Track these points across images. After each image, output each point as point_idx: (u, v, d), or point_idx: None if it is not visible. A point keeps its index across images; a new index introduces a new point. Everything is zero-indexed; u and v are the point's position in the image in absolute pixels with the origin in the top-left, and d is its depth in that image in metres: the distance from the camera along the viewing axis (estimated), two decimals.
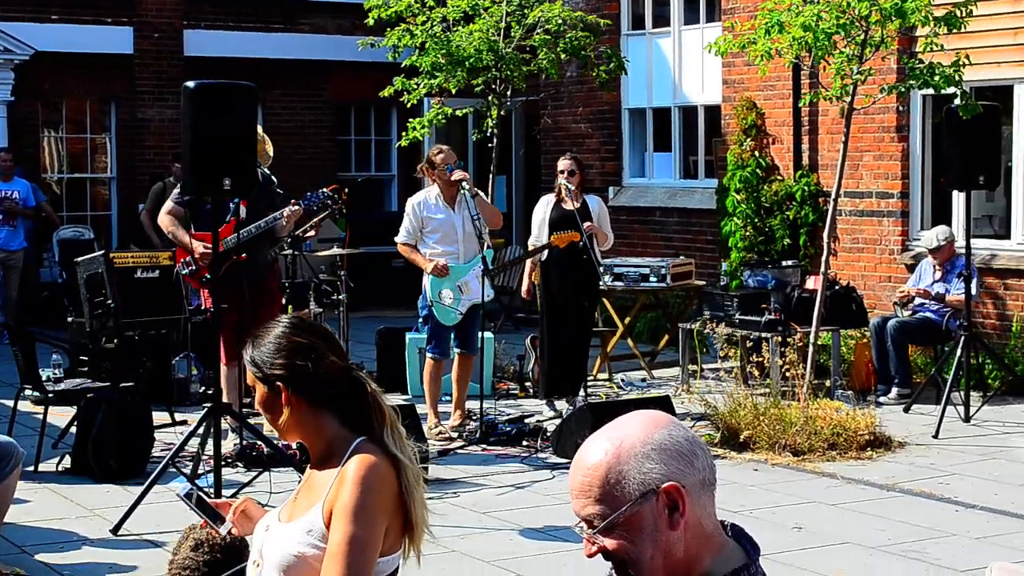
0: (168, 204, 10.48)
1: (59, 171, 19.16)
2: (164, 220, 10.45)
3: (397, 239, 11.05)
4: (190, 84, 8.67)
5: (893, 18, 10.47)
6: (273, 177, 11.70)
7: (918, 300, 12.32)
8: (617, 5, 17.16)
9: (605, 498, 2.49)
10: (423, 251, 10.89)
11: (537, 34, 13.95)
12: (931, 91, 11.50)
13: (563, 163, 11.52)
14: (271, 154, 10.94)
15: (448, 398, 11.16)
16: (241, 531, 3.95)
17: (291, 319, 3.75)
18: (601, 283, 12.41)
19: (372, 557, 3.56)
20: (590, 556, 2.53)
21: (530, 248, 11.63)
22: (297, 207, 10.35)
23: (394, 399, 10.76)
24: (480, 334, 11.16)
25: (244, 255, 10.10)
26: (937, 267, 12.31)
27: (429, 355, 11.04)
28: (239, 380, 9.82)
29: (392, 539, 3.62)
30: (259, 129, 10.74)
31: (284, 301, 12.09)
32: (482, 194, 11.18)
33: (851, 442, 10.11)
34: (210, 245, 9.78)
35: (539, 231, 11.51)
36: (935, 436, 10.62)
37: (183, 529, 4.28)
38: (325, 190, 10.62)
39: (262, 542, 3.73)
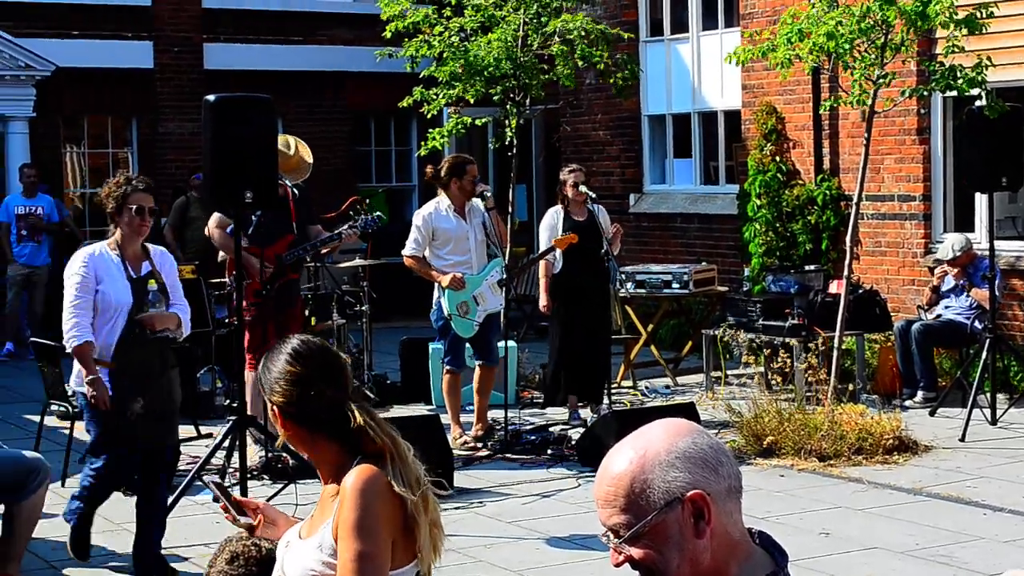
0: (217, 216, 10.34)
1: (81, 186, 19.22)
2: (217, 235, 10.36)
3: (404, 252, 10.91)
4: (210, 98, 8.71)
5: (918, 22, 10.44)
6: (294, 189, 11.75)
7: (943, 304, 12.26)
8: (635, 12, 17.17)
9: (630, 507, 2.48)
10: (435, 264, 10.83)
11: (555, 43, 13.94)
12: (953, 93, 11.47)
13: (572, 176, 11.51)
14: (311, 162, 10.89)
15: (471, 407, 11.16)
16: (264, 533, 3.97)
17: (297, 343, 3.71)
18: (621, 290, 12.42)
19: (383, 568, 3.56)
20: (617, 565, 2.53)
21: (551, 272, 11.55)
22: (353, 230, 10.42)
23: (418, 410, 10.78)
24: (503, 343, 11.15)
25: (297, 273, 10.27)
26: (955, 277, 12.23)
27: (447, 368, 11.02)
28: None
29: (401, 553, 3.61)
30: (292, 139, 10.78)
31: (307, 313, 12.11)
32: (495, 212, 11.13)
33: (877, 446, 10.08)
34: (268, 264, 9.95)
35: (548, 242, 11.45)
36: (961, 439, 10.58)
37: (217, 542, 4.28)
38: (379, 213, 10.67)
39: (283, 558, 3.74)
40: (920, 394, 12.02)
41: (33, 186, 16.44)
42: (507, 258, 11.10)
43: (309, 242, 10.39)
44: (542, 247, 11.53)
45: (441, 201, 10.91)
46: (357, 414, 3.61)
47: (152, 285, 7.50)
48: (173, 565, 7.78)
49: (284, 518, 4.03)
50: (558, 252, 11.34)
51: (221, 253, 10.66)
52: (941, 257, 12.44)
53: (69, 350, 7.45)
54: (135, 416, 7.44)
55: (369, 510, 3.52)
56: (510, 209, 13.31)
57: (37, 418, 10.52)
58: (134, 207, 7.47)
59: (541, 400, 12.54)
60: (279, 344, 3.73)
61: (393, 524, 3.57)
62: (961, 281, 12.14)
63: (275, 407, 3.65)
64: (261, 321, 10.02)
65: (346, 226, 10.53)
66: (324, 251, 10.95)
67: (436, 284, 10.86)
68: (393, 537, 3.58)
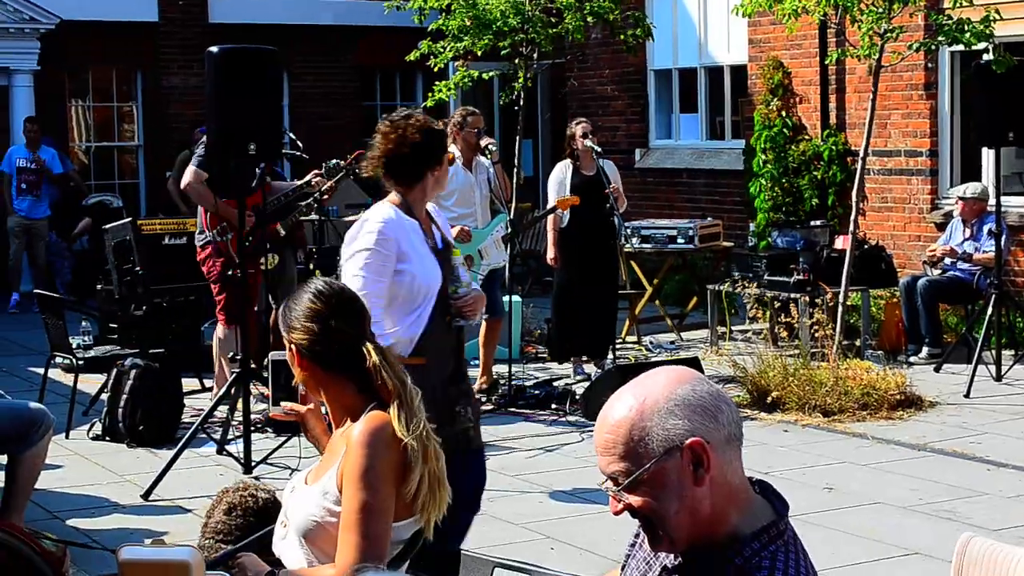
0: (192, 170, 10.22)
1: (86, 140, 19.19)
2: (197, 187, 10.22)
3: None
4: (213, 49, 8.67)
5: None
6: (299, 142, 11.73)
7: (948, 259, 12.25)
8: None
9: (629, 455, 2.47)
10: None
11: None
12: (960, 47, 11.40)
13: (580, 126, 11.46)
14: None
15: (476, 362, 11.15)
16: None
17: (320, 284, 3.76)
18: (627, 245, 12.37)
19: (386, 520, 3.56)
20: (616, 513, 2.52)
21: (559, 225, 11.51)
22: (321, 176, 10.36)
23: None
24: (508, 297, 11.13)
25: (276, 223, 10.14)
26: (966, 225, 12.22)
27: None
28: (236, 343, 9.80)
29: (401, 506, 3.60)
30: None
31: (312, 267, 12.10)
32: (499, 165, 11.10)
33: (882, 402, 10.07)
34: (248, 212, 9.83)
35: (557, 196, 11.41)
36: (966, 395, 10.56)
37: (215, 493, 4.28)
38: (338, 160, 10.55)
39: (287, 504, 3.74)
40: (925, 350, 12.00)
41: (35, 139, 16.41)
42: (512, 213, 11.05)
43: (280, 192, 10.33)
44: (550, 201, 11.49)
45: (451, 151, 10.86)
46: (372, 353, 3.64)
47: (457, 257, 5.87)
48: (175, 516, 7.79)
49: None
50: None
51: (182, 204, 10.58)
52: (956, 194, 12.39)
53: None
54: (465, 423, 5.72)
55: (375, 461, 3.53)
56: (516, 164, 13.25)
57: (41, 370, 10.53)
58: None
59: (545, 354, 12.53)
60: (302, 285, 3.78)
61: (396, 473, 3.57)
62: (970, 240, 12.10)
63: (294, 345, 3.68)
64: (234, 276, 9.87)
65: (312, 174, 10.49)
66: (294, 198, 10.81)
67: None
68: (396, 488, 3.58)
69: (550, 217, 11.53)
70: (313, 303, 3.69)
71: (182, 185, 10.53)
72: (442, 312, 5.52)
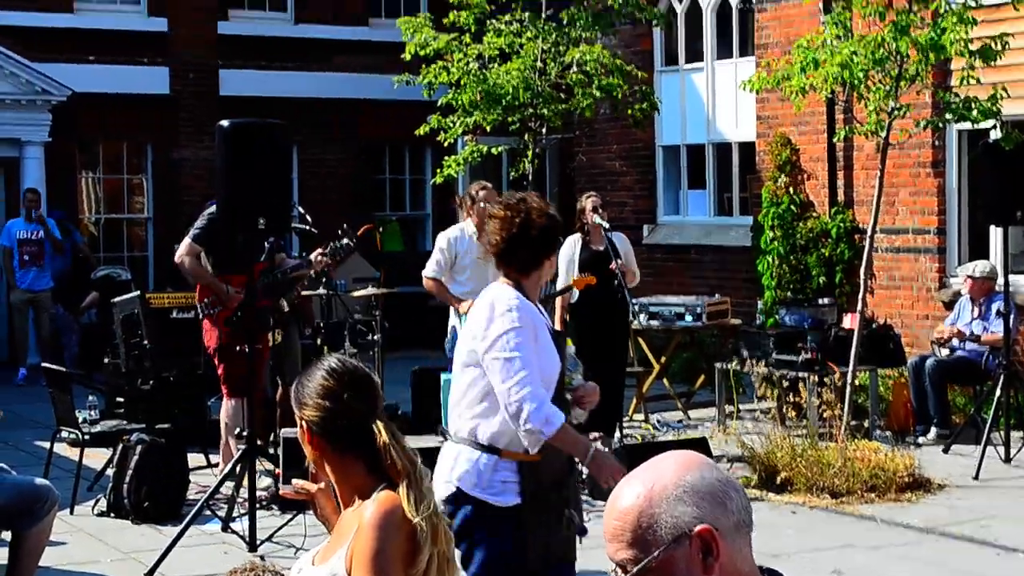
0: (187, 243, 10.27)
1: (96, 212, 19.25)
2: (187, 261, 10.23)
3: (425, 273, 10.88)
4: (224, 124, 8.72)
5: (930, 52, 10.42)
6: (308, 216, 11.75)
7: (956, 340, 12.20)
8: (650, 41, 17.18)
9: (637, 542, 2.44)
10: (452, 288, 10.79)
11: (573, 73, 13.95)
12: (967, 125, 11.44)
13: (590, 200, 11.47)
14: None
15: None
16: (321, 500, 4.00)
17: (334, 361, 3.74)
18: (635, 322, 12.33)
19: None
20: None
21: (567, 302, 11.51)
22: (323, 258, 10.35)
23: (429, 441, 10.72)
24: None
25: (268, 301, 10.09)
26: (974, 303, 12.19)
27: None
28: (242, 415, 9.75)
29: None
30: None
31: (319, 342, 12.09)
32: None
33: (890, 484, 10.00)
34: (240, 289, 9.80)
35: (567, 272, 11.41)
36: (975, 477, 10.49)
37: (224, 573, 4.25)
38: (345, 240, 10.53)
39: None
40: (934, 431, 11.94)
41: (35, 209, 16.46)
42: None
43: (279, 268, 10.34)
44: (560, 275, 11.48)
45: (466, 227, 10.88)
46: (383, 431, 3.61)
47: (569, 347, 5.50)
48: None
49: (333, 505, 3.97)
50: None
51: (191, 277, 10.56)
52: (965, 273, 12.36)
53: (541, 438, 4.95)
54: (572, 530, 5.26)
55: (386, 544, 3.50)
56: None
57: (47, 444, 10.49)
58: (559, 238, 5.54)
59: None
60: (316, 361, 3.76)
61: (405, 556, 3.54)
62: (979, 320, 12.07)
63: (305, 422, 3.66)
64: (233, 351, 9.85)
65: (316, 252, 10.49)
66: (294, 276, 10.81)
67: (452, 310, 10.82)
68: (404, 570, 3.54)
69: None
70: (326, 380, 3.67)
71: (176, 258, 10.49)
72: (560, 402, 5.10)
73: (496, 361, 4.94)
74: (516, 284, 5.14)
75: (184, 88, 19.06)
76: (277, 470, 9.51)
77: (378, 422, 3.65)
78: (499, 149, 14.93)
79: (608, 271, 10.97)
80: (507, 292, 5.10)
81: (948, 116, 11.09)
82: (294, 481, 4.03)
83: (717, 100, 16.65)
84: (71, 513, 9.50)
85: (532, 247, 5.14)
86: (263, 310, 9.92)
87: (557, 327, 11.55)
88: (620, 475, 4.39)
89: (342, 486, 3.72)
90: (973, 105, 10.70)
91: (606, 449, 5.05)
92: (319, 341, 12.16)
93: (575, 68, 14.11)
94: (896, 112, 10.84)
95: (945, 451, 11.43)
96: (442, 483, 5.02)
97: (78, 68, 17.95)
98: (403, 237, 21.08)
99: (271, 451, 10.03)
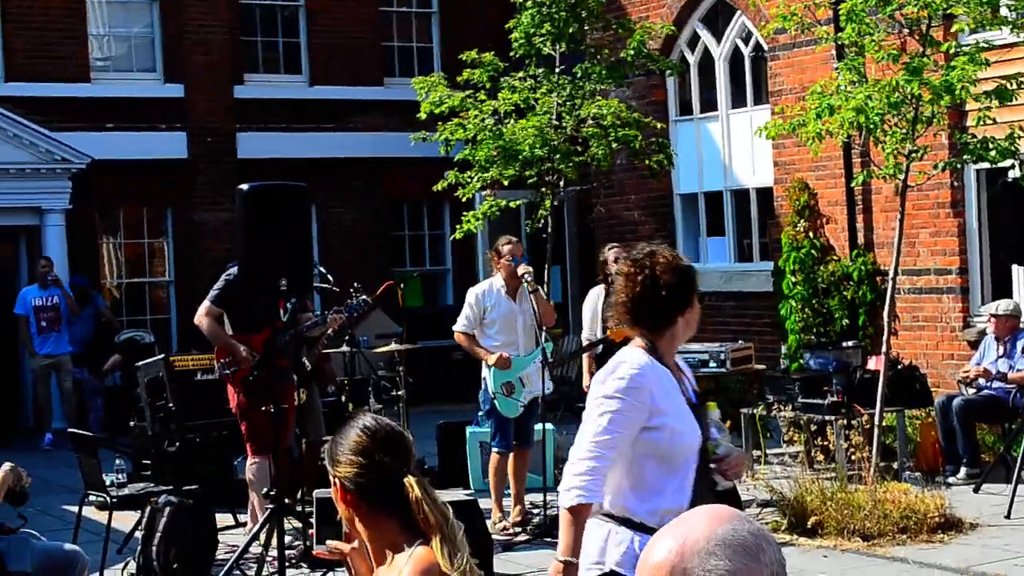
0: (206, 305, 10.41)
1: (118, 276, 19.35)
2: (205, 323, 10.37)
3: (455, 328, 11.00)
4: (243, 187, 8.76)
5: (943, 95, 10.44)
6: (329, 275, 11.81)
7: (982, 379, 12.16)
8: (664, 92, 17.25)
9: None
10: (483, 342, 10.86)
11: (588, 126, 14.01)
12: (986, 165, 11.44)
13: (611, 252, 11.50)
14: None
15: (507, 492, 11.10)
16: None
17: (369, 419, 3.76)
18: None
19: None
20: None
21: (585, 343, 11.56)
22: (339, 315, 10.42)
23: (456, 495, 10.72)
24: (541, 425, 11.10)
25: (286, 360, 10.10)
26: (999, 342, 12.15)
27: (495, 449, 10.98)
28: (268, 473, 9.75)
29: None
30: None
31: (343, 399, 12.11)
32: (541, 291, 11.14)
33: (921, 525, 9.94)
34: (257, 350, 9.86)
35: (591, 323, 11.45)
36: (1007, 516, 10.42)
37: None
38: (363, 297, 10.61)
39: None
40: (963, 470, 11.88)
41: (48, 277, 16.56)
42: (543, 337, 11.01)
43: (297, 327, 10.38)
44: (585, 327, 11.52)
45: (495, 281, 10.94)
46: (415, 487, 3.62)
47: (713, 412, 5.20)
48: None
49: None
50: (598, 332, 11.31)
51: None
52: (989, 311, 12.33)
53: (565, 505, 4.66)
54: None
55: None
56: (545, 290, 13.30)
57: (75, 508, 10.51)
58: (699, 293, 5.11)
59: None
60: (352, 420, 3.77)
61: None
62: (1004, 358, 12.03)
63: (339, 479, 3.67)
64: (255, 409, 9.89)
65: (332, 310, 10.56)
66: (311, 335, 10.86)
67: (484, 363, 10.86)
68: None
69: (584, 342, 11.55)
70: (359, 437, 3.69)
71: (195, 319, 10.60)
72: (703, 474, 4.76)
73: (587, 419, 4.69)
74: (649, 345, 4.77)
75: (202, 152, 19.18)
76: (311, 530, 9.50)
77: (410, 477, 3.66)
78: (517, 203, 14.98)
79: None
80: (631, 357, 4.72)
81: (966, 157, 11.10)
82: (328, 541, 4.04)
83: (733, 147, 16.69)
84: None
85: (660, 304, 4.78)
86: (282, 369, 9.96)
87: (586, 380, 11.61)
88: None
89: (375, 543, 3.72)
90: (991, 145, 10.71)
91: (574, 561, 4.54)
92: (343, 398, 12.18)
93: (590, 121, 14.17)
94: (914, 155, 10.86)
95: (976, 490, 11.37)
96: (591, 565, 4.65)
97: (97, 136, 18.08)
98: (424, 292, 21.12)
99: (298, 509, 10.02)
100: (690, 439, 4.69)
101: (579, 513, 4.59)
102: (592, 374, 11.49)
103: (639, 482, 4.66)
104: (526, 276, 10.73)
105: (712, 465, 4.78)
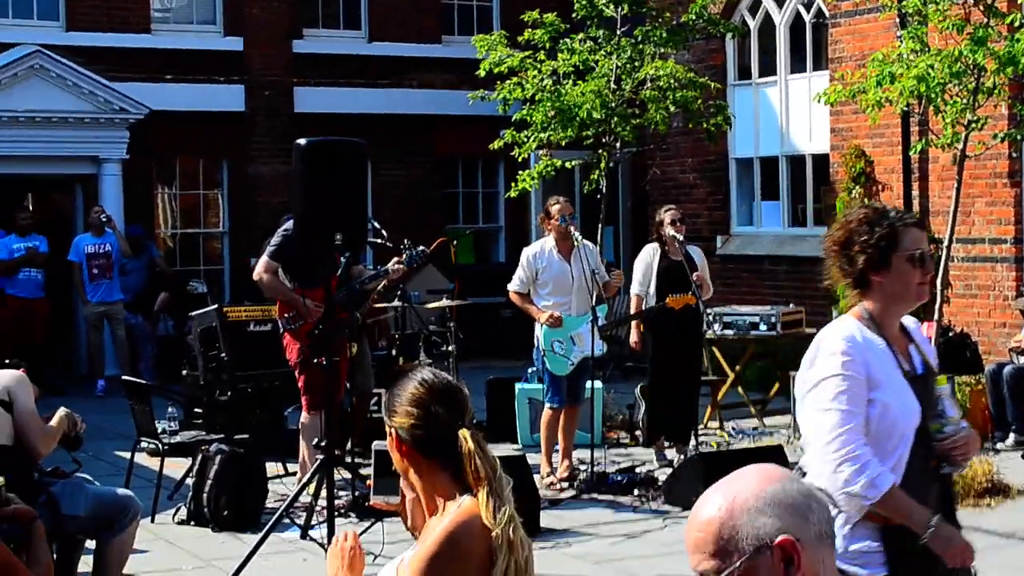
0: (264, 260, 10.45)
1: (172, 227, 19.49)
2: (266, 278, 10.40)
3: (509, 287, 11.09)
4: (301, 142, 8.80)
5: (1007, 65, 10.36)
6: (383, 231, 11.85)
7: None
8: (723, 56, 17.18)
9: (719, 553, 2.48)
10: (536, 302, 10.92)
11: (647, 89, 13.98)
12: None
13: (668, 214, 11.50)
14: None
15: (558, 448, 11.17)
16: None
17: (427, 372, 3.80)
18: (709, 332, 12.36)
19: None
20: None
21: (634, 300, 11.58)
22: (400, 265, 10.48)
23: (504, 449, 10.81)
24: (590, 383, 11.15)
25: (345, 312, 10.19)
26: None
27: (547, 405, 11.05)
28: (320, 425, 9.81)
29: None
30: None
31: (395, 352, 12.19)
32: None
33: (969, 489, 9.94)
34: (320, 303, 9.91)
35: (644, 279, 11.47)
36: None
37: None
38: (420, 248, 10.68)
39: None
40: (1012, 437, 11.87)
41: (101, 225, 16.67)
42: (594, 299, 11.05)
43: (356, 280, 10.45)
44: (635, 281, 11.53)
45: (546, 242, 10.99)
46: (468, 440, 3.67)
47: (942, 385, 4.57)
48: None
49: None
50: (652, 290, 11.34)
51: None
52: None
53: (864, 504, 4.22)
54: None
55: (447, 551, 3.55)
56: (599, 251, 13.33)
57: (128, 455, 10.66)
58: (913, 252, 4.38)
59: (627, 440, 12.53)
60: (410, 372, 3.82)
61: (479, 564, 3.58)
62: None
63: (395, 430, 3.72)
64: (315, 364, 9.94)
65: (392, 262, 10.60)
66: (370, 287, 10.94)
67: (536, 322, 10.93)
68: None
69: (633, 299, 11.59)
70: (417, 389, 3.73)
71: (254, 275, 10.65)
72: (923, 456, 4.32)
73: (813, 411, 4.30)
74: (866, 315, 4.38)
75: (259, 105, 19.25)
76: (368, 480, 9.60)
77: (464, 430, 3.71)
78: (572, 163, 14.97)
79: (685, 281, 11.00)
80: (841, 330, 4.34)
81: None
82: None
83: (791, 113, 16.61)
84: (152, 522, 9.62)
85: (877, 266, 4.35)
86: (342, 322, 10.04)
87: (634, 337, 11.66)
88: (970, 556, 4.29)
89: (428, 494, 3.77)
90: None
91: (936, 521, 4.19)
92: (394, 352, 12.27)
93: (649, 84, 14.13)
94: (973, 125, 10.79)
95: None
96: None
97: (155, 87, 18.16)
98: (476, 249, 21.17)
99: (348, 460, 10.13)
100: (906, 416, 4.29)
101: (893, 496, 4.18)
102: (641, 333, 11.56)
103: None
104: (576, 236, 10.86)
105: (938, 445, 4.34)
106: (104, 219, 16.63)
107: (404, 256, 10.58)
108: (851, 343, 4.26)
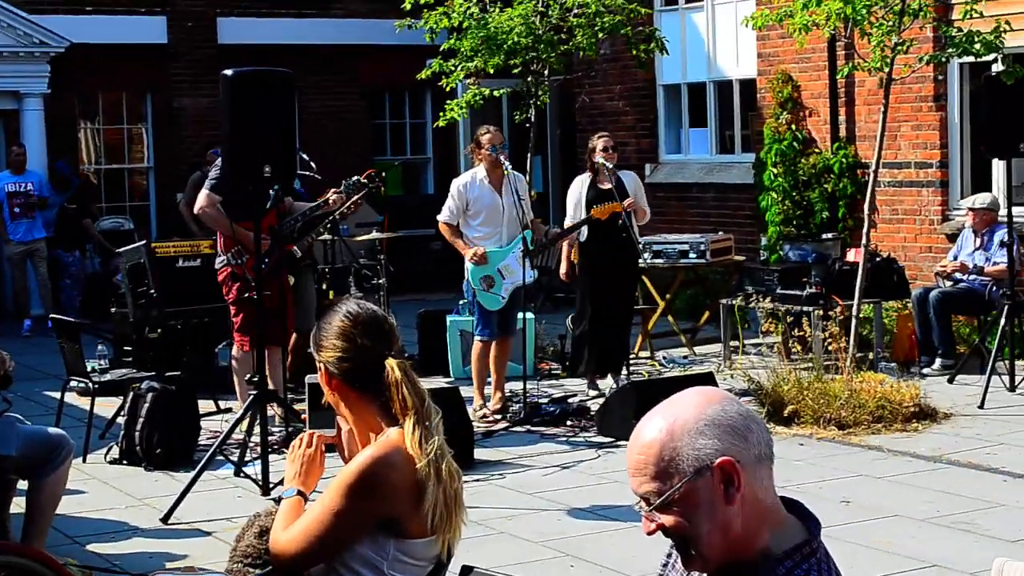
0: (205, 193, 10.23)
1: (96, 163, 19.25)
2: (211, 212, 10.19)
3: (439, 218, 11.00)
4: (228, 73, 8.69)
5: None
6: (312, 163, 11.76)
7: (959, 274, 12.25)
8: None
9: (660, 475, 2.49)
10: (466, 232, 10.86)
11: (574, 16, 13.90)
12: (970, 59, 11.42)
13: (600, 141, 11.46)
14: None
15: (490, 381, 11.18)
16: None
17: (353, 304, 3.79)
18: (641, 260, 12.39)
19: (344, 533, 3.58)
20: (649, 533, 2.54)
21: (568, 225, 11.58)
22: (339, 194, 10.38)
23: (437, 382, 10.81)
24: (521, 314, 11.16)
25: (293, 245, 10.12)
26: (976, 235, 12.23)
27: (478, 337, 11.03)
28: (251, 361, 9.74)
29: (416, 524, 3.62)
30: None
31: (324, 286, 12.13)
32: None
33: (896, 414, 10.08)
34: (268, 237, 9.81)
35: (575, 211, 11.46)
36: (980, 406, 10.57)
37: (238, 517, 4.30)
38: (357, 177, 10.60)
39: None
40: (939, 361, 12.01)
41: (21, 163, 16.46)
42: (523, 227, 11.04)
43: (299, 212, 10.36)
44: (568, 214, 11.53)
45: (477, 172, 10.92)
46: (395, 369, 3.66)
47: None
48: (196, 540, 7.81)
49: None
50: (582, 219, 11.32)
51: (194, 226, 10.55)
52: (966, 205, 12.41)
53: None
54: None
55: (362, 487, 3.55)
56: (527, 180, 13.30)
57: (58, 394, 10.57)
58: None
59: (559, 371, 12.57)
60: (335, 305, 3.84)
61: (397, 499, 3.58)
62: (980, 251, 12.11)
63: (324, 364, 3.71)
64: (253, 298, 9.81)
65: (331, 192, 10.49)
66: (314, 218, 10.83)
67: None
68: (403, 509, 3.59)
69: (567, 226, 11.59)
70: (343, 322, 3.73)
71: (195, 210, 10.51)
72: None
73: None
74: None
75: (182, 37, 19.02)
76: (302, 415, 9.57)
77: (391, 360, 3.70)
78: (500, 92, 14.91)
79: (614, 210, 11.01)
80: None
81: (951, 51, 11.09)
82: (315, 431, 4.07)
83: (718, 38, 16.61)
84: (84, 461, 9.56)
85: None
86: (290, 255, 9.98)
87: (564, 268, 11.66)
88: None
89: (360, 427, 3.77)
90: (976, 39, 10.69)
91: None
92: (324, 286, 12.21)
93: (576, 9, 14.06)
94: (899, 48, 10.84)
95: (950, 381, 11.51)
96: None
97: (76, 19, 17.89)
98: (404, 181, 21.09)
99: (281, 396, 10.09)
100: None
101: None
102: (572, 260, 11.56)
103: None
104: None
105: None
106: (21, 156, 16.39)
107: (342, 187, 10.50)
108: None
